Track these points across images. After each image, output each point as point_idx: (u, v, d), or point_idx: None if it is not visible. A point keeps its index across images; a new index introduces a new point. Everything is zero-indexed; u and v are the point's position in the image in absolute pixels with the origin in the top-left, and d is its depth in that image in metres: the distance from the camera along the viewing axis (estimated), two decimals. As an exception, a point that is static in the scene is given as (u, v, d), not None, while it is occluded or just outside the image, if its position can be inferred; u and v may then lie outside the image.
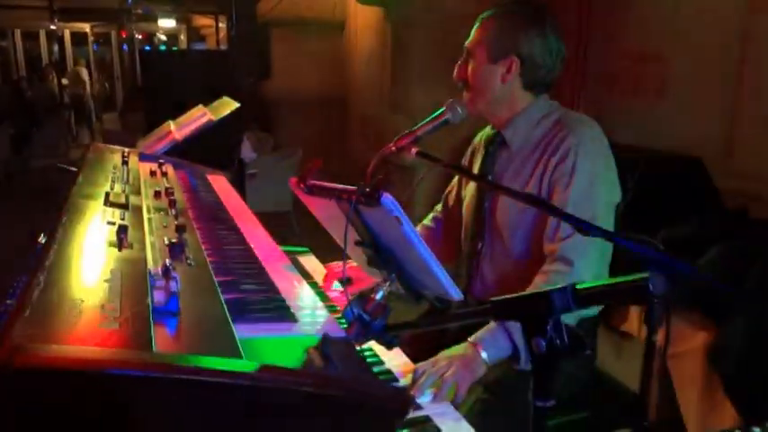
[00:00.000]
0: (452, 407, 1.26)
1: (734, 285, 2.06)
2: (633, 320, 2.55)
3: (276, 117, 7.54)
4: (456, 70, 1.64)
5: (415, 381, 1.30)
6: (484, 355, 1.41)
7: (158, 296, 0.83)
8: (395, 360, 1.38)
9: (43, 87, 11.55)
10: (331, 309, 1.20)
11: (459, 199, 1.83)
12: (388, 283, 1.04)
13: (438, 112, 1.50)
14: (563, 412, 1.53)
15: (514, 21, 1.58)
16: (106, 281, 0.82)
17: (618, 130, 3.39)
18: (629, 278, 0.64)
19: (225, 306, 0.90)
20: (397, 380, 1.31)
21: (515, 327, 1.42)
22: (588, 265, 1.44)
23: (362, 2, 4.84)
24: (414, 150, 1.43)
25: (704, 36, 2.99)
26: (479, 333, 1.44)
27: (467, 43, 1.63)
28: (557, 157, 1.52)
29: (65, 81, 12.42)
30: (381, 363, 1.36)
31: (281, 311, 1.00)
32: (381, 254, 1.04)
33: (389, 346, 1.00)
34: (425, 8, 3.74)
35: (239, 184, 5.00)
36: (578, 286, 0.67)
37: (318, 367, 0.75)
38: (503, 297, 0.73)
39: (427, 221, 1.97)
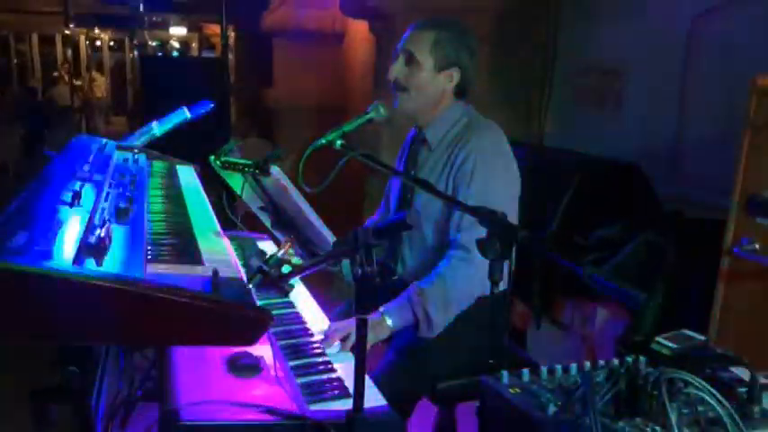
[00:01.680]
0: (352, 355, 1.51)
1: (646, 276, 2.28)
2: (568, 312, 2.77)
3: (276, 124, 7.81)
4: (393, 71, 1.85)
5: (327, 335, 1.55)
6: (389, 321, 1.66)
7: (91, 238, 1.09)
8: (317, 322, 1.65)
9: (56, 90, 11.94)
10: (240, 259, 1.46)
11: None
12: (287, 243, 1.29)
13: (365, 111, 1.76)
14: (464, 374, 1.77)
15: (458, 36, 1.82)
16: (54, 224, 1.08)
17: (578, 139, 3.63)
18: (396, 217, 0.90)
19: (147, 252, 1.15)
20: (312, 334, 1.56)
21: (417, 301, 1.67)
22: None
23: (346, 14, 5.12)
24: (338, 142, 1.68)
25: (658, 50, 3.21)
26: (388, 304, 1.69)
27: (407, 47, 1.82)
28: (460, 158, 1.77)
29: (77, 83, 12.82)
30: (304, 322, 1.62)
31: (193, 257, 1.25)
32: (280, 217, 1.30)
33: (285, 293, 1.24)
34: (405, 21, 3.98)
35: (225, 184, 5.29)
36: (374, 227, 0.92)
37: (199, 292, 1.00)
38: (335, 241, 0.99)
39: (375, 216, 2.23)
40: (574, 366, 1.22)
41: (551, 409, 1.06)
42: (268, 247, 1.98)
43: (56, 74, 13.16)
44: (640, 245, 2.37)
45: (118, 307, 0.91)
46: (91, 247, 1.06)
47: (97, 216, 1.24)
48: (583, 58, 3.80)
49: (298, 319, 1.64)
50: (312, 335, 1.56)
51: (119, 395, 1.53)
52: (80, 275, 0.91)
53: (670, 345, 1.27)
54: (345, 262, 1.39)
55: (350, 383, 1.32)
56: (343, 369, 1.41)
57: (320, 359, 1.44)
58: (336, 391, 1.29)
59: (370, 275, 0.92)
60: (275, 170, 1.19)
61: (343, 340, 1.54)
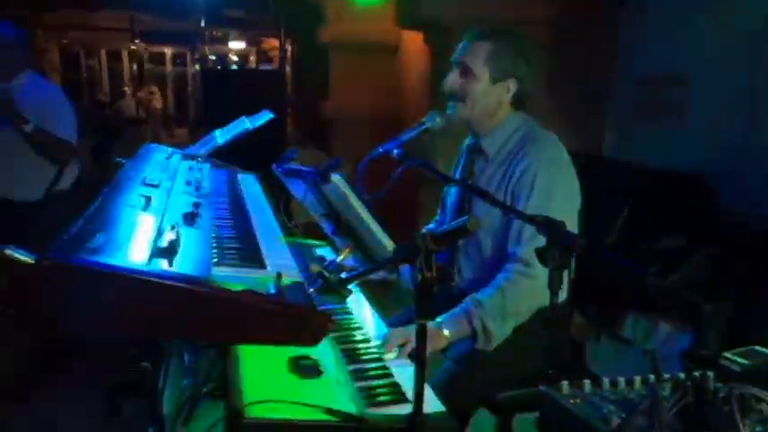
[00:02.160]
0: (411, 363, 1.51)
1: (708, 289, 2.20)
2: (629, 326, 2.70)
3: (332, 135, 7.93)
4: (449, 83, 1.84)
5: (385, 341, 1.57)
6: (446, 332, 1.66)
7: (162, 242, 1.14)
8: (375, 328, 1.66)
9: (123, 103, 12.50)
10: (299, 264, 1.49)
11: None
12: (348, 249, 1.31)
13: (421, 120, 1.77)
14: (524, 385, 1.75)
15: (514, 46, 1.81)
16: (127, 227, 1.14)
17: (638, 150, 3.55)
18: (457, 222, 0.90)
19: (213, 255, 1.20)
20: (370, 339, 1.58)
21: (476, 313, 1.66)
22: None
23: (403, 26, 5.16)
24: (396, 152, 1.70)
25: (725, 55, 3.10)
26: (446, 315, 1.69)
27: (462, 59, 1.81)
28: (519, 170, 1.75)
29: (144, 95, 13.38)
30: (361, 327, 1.64)
31: (257, 261, 1.29)
32: (341, 224, 1.32)
33: (344, 298, 1.26)
34: (457, 32, 3.99)
35: (284, 193, 5.41)
36: (435, 232, 0.93)
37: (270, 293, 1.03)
38: (395, 247, 1.00)
39: (431, 225, 2.23)
40: (637, 379, 1.19)
41: (615, 421, 1.03)
42: (324, 254, 2.01)
43: (124, 89, 13.79)
44: (705, 258, 2.28)
45: (188, 306, 0.95)
46: (162, 249, 1.11)
47: (167, 220, 1.30)
48: (643, 66, 3.71)
49: (356, 324, 1.66)
50: (369, 340, 1.58)
51: (183, 392, 1.59)
52: (154, 275, 0.95)
53: (740, 360, 1.22)
54: (404, 268, 1.41)
55: (407, 389, 1.33)
56: (400, 375, 1.42)
57: (377, 364, 1.45)
58: (394, 396, 1.30)
59: (430, 281, 0.93)
60: (336, 178, 1.21)
61: (401, 347, 1.55)
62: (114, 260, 0.96)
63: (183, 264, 1.10)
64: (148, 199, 1.35)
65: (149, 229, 1.18)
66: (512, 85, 1.80)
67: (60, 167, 2.91)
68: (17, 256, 0.99)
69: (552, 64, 3.82)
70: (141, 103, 13.04)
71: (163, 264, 1.06)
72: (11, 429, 2.70)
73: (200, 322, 0.97)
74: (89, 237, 1.04)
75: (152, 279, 0.93)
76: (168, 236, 1.17)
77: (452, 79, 1.82)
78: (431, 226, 2.20)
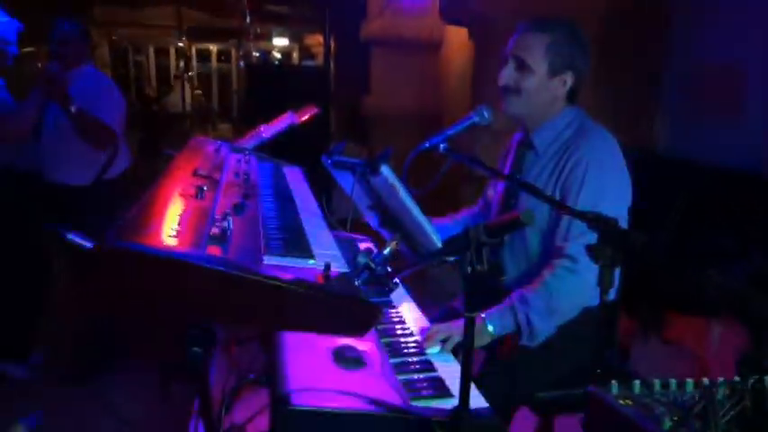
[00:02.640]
0: (453, 358, 1.51)
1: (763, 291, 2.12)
2: (679, 329, 2.63)
3: (372, 132, 7.95)
4: (504, 77, 1.78)
5: (428, 335, 1.56)
6: (490, 327, 1.65)
7: (215, 229, 1.16)
8: (417, 322, 1.66)
9: (169, 98, 12.80)
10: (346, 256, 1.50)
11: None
12: (394, 242, 1.31)
13: (468, 115, 1.75)
14: (566, 386, 1.73)
15: (572, 38, 1.75)
16: (181, 215, 1.16)
17: (693, 146, 3.43)
18: (511, 214, 0.89)
19: (263, 245, 1.22)
20: (413, 334, 1.58)
21: (521, 309, 1.64)
22: (591, 262, 1.63)
23: (447, 21, 5.13)
24: (442, 146, 1.69)
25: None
26: (490, 310, 1.68)
27: (518, 52, 1.75)
28: (570, 164, 1.71)
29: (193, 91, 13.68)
30: (404, 322, 1.64)
31: (305, 251, 1.30)
32: (388, 216, 1.32)
33: (391, 290, 1.26)
34: (505, 27, 3.95)
35: (326, 187, 5.44)
36: (487, 225, 0.92)
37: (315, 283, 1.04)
38: (446, 239, 1.00)
39: (473, 206, 2.22)
40: (690, 382, 1.16)
41: (667, 423, 1.01)
42: (368, 248, 2.02)
43: (171, 84, 14.12)
44: (762, 259, 2.20)
45: (240, 292, 0.97)
46: (215, 237, 1.13)
47: (218, 209, 1.33)
48: (698, 58, 3.58)
49: (398, 318, 1.66)
50: (412, 334, 1.58)
51: (228, 378, 1.62)
52: (208, 261, 0.97)
53: (799, 366, 1.17)
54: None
55: (450, 383, 1.33)
56: (443, 370, 1.42)
57: (421, 358, 1.45)
58: (437, 390, 1.30)
59: (480, 274, 0.92)
60: (386, 169, 1.22)
61: (444, 341, 1.55)
62: (170, 246, 0.98)
63: (235, 252, 1.12)
64: (200, 189, 1.37)
65: (202, 217, 1.21)
66: (569, 79, 1.76)
67: (110, 156, 3.01)
68: (77, 241, 1.03)
69: (602, 58, 3.74)
70: (189, 99, 13.33)
71: (215, 251, 1.08)
72: (71, 412, 2.81)
73: (252, 309, 0.99)
74: (145, 223, 1.06)
75: (206, 265, 0.95)
76: (220, 224, 1.19)
77: (508, 74, 1.78)
78: (463, 214, 2.19)
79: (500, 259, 1.85)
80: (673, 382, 1.16)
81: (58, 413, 2.78)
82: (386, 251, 1.29)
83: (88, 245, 1.00)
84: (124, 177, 3.14)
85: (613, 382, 1.14)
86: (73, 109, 2.80)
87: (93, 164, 3.00)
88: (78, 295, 0.94)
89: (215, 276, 0.95)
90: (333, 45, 7.33)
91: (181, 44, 14.53)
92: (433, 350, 1.52)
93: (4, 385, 2.98)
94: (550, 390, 1.72)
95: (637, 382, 1.14)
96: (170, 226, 1.09)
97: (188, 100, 13.33)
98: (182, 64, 14.41)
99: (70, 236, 1.04)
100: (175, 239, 1.03)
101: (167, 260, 0.94)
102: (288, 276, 0.99)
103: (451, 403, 1.21)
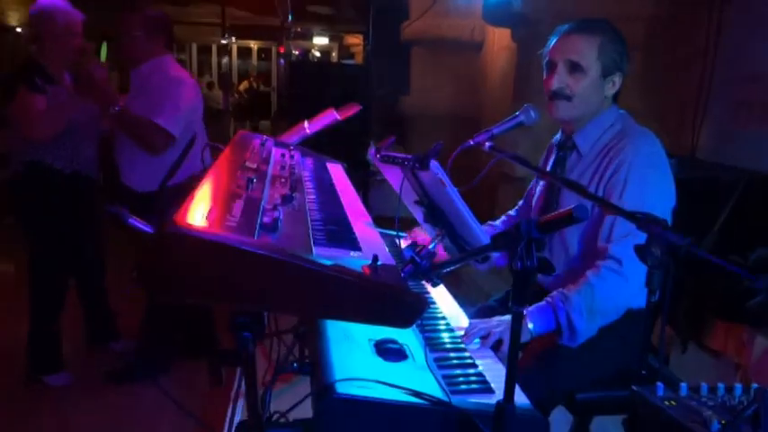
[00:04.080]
0: (493, 353, 1.51)
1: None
2: (720, 337, 2.57)
3: (411, 132, 7.97)
4: (555, 81, 1.76)
5: (467, 331, 1.57)
6: (531, 325, 1.64)
7: (266, 219, 1.19)
8: (456, 318, 1.67)
9: (211, 94, 13.04)
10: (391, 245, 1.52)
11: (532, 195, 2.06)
12: (439, 237, 1.33)
13: (514, 114, 1.75)
14: (605, 387, 1.72)
15: (619, 39, 1.76)
16: (233, 205, 1.20)
17: (737, 154, 3.36)
18: (564, 210, 0.89)
19: (311, 235, 1.24)
20: (453, 329, 1.59)
21: (562, 308, 1.64)
22: (636, 264, 1.59)
23: (490, 22, 5.10)
24: (487, 144, 1.69)
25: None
26: (531, 308, 1.67)
27: (568, 55, 1.74)
28: (613, 166, 1.70)
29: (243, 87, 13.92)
30: (444, 317, 1.66)
31: (351, 243, 1.33)
32: (434, 211, 1.33)
33: (435, 284, 1.28)
34: (549, 27, 3.92)
35: (363, 184, 5.49)
36: (539, 220, 0.93)
37: (364, 274, 1.06)
38: (496, 234, 1.01)
39: (511, 212, 2.22)
40: (738, 386, 1.14)
41: (715, 426, 1.00)
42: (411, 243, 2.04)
43: (211, 80, 14.39)
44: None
45: (291, 280, 0.99)
46: (266, 226, 1.16)
47: (268, 200, 1.36)
48: (746, 66, 3.50)
49: (438, 313, 1.67)
50: (453, 330, 1.59)
51: (267, 369, 1.65)
52: (262, 248, 1.00)
53: None
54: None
55: (491, 379, 1.34)
56: (483, 365, 1.42)
57: (461, 354, 1.46)
58: (478, 385, 1.30)
59: (530, 269, 0.93)
60: (434, 165, 1.23)
61: (483, 338, 1.55)
62: (224, 233, 1.02)
63: (285, 241, 1.15)
64: (250, 180, 1.41)
65: (253, 207, 1.24)
66: (617, 80, 1.77)
67: (176, 160, 2.88)
68: (138, 225, 1.07)
69: (647, 62, 3.68)
70: (231, 96, 13.56)
71: (267, 239, 1.11)
72: (125, 404, 2.92)
73: (301, 296, 1.01)
74: (200, 211, 1.10)
75: (259, 252, 0.98)
76: (270, 214, 1.22)
77: (560, 79, 1.75)
78: (509, 215, 2.18)
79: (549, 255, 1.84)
80: (721, 386, 1.15)
81: (114, 406, 2.89)
82: (431, 246, 1.30)
83: (148, 229, 1.04)
84: (191, 181, 2.96)
85: (659, 383, 1.14)
86: (113, 110, 2.74)
87: (159, 169, 2.88)
88: (140, 278, 0.98)
89: (267, 263, 0.98)
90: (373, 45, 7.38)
91: (224, 41, 14.77)
92: (472, 346, 1.53)
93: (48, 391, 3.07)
94: (589, 390, 1.71)
95: (683, 385, 1.13)
96: (223, 214, 1.12)
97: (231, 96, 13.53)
98: (224, 61, 14.66)
99: (131, 220, 1.08)
100: (229, 227, 1.06)
101: (223, 246, 0.97)
102: (337, 265, 1.02)
103: (493, 399, 1.21)
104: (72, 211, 3.06)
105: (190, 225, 1.00)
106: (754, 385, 1.13)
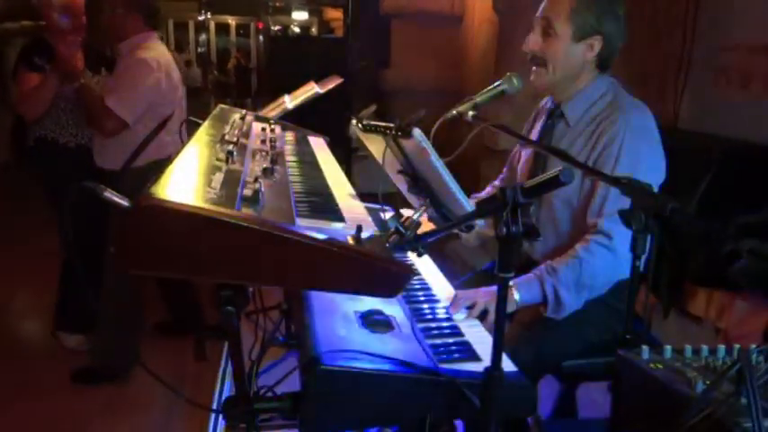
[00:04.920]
0: (479, 323, 1.51)
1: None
2: (701, 303, 2.61)
3: (392, 106, 7.91)
4: (530, 43, 1.74)
5: (453, 302, 1.57)
6: (517, 296, 1.64)
7: (246, 191, 1.17)
8: (442, 289, 1.67)
9: (189, 72, 12.82)
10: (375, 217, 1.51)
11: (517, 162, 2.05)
12: (423, 207, 1.31)
13: (496, 83, 1.73)
14: (591, 354, 1.73)
15: (599, 0, 1.69)
16: (214, 177, 1.17)
17: (718, 122, 3.38)
18: (550, 173, 0.89)
19: (294, 207, 1.22)
20: (438, 300, 1.59)
21: (549, 281, 1.64)
22: (625, 239, 1.57)
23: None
24: (470, 114, 1.67)
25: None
26: (518, 278, 1.67)
27: (545, 14, 1.71)
28: (605, 138, 1.67)
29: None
30: (430, 288, 1.65)
31: (334, 214, 1.31)
32: (418, 181, 1.32)
33: (420, 254, 1.27)
34: (530, -1, 3.88)
35: (345, 160, 5.45)
36: (525, 185, 0.92)
37: (348, 244, 1.05)
38: (481, 199, 0.99)
39: (495, 182, 2.20)
40: (722, 348, 1.15)
41: (699, 386, 1.01)
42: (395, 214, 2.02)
43: (188, 57, 14.13)
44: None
45: (275, 251, 0.98)
46: (248, 198, 1.14)
47: (248, 173, 1.33)
48: (727, 34, 3.50)
49: (424, 284, 1.67)
50: (438, 300, 1.59)
51: (254, 344, 1.64)
52: (243, 220, 0.98)
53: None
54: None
55: (478, 347, 1.34)
56: (470, 334, 1.42)
57: (448, 323, 1.46)
58: (465, 354, 1.31)
59: (515, 235, 0.92)
60: (417, 132, 1.21)
61: (469, 308, 1.55)
62: (205, 205, 0.99)
63: (268, 213, 1.13)
64: (230, 153, 1.38)
65: (234, 179, 1.22)
66: (596, 44, 1.71)
67: (142, 142, 2.83)
68: (114, 199, 1.04)
69: (627, 28, 3.67)
70: (209, 74, 13.36)
71: (249, 212, 1.09)
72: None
73: (285, 268, 1.00)
74: (179, 184, 1.08)
75: (242, 224, 0.96)
76: (252, 187, 1.20)
77: (533, 40, 1.74)
78: (493, 185, 2.17)
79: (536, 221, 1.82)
80: (704, 348, 1.16)
81: (104, 390, 2.86)
82: (415, 216, 1.29)
83: (125, 203, 1.01)
84: (155, 167, 2.86)
85: (644, 346, 1.14)
86: (75, 85, 2.67)
87: (126, 148, 2.83)
88: (118, 252, 0.95)
89: (249, 234, 0.96)
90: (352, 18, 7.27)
91: (201, 18, 14.50)
92: (458, 316, 1.53)
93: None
94: (575, 358, 1.72)
95: (668, 348, 1.14)
96: (203, 187, 1.10)
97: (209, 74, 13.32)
98: (202, 37, 14.41)
99: (106, 194, 1.05)
100: (209, 199, 1.04)
101: (203, 217, 0.95)
102: (321, 236, 1.00)
103: (480, 367, 1.21)
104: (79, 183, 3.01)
105: (168, 197, 0.97)
106: (737, 346, 1.14)
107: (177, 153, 2.70)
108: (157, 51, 2.87)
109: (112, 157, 2.88)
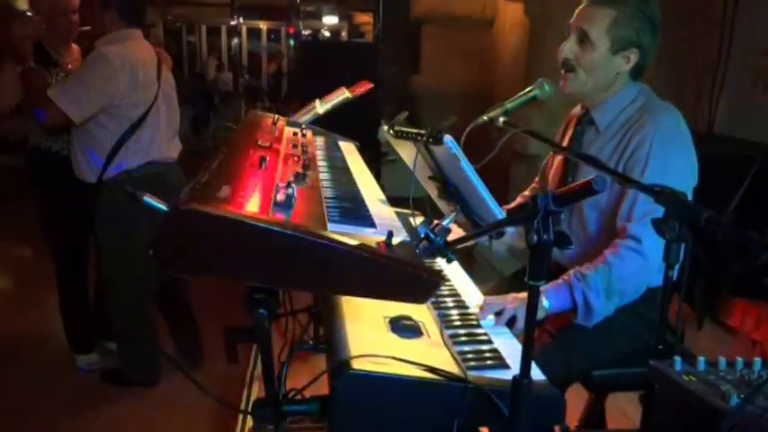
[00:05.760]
0: (508, 330, 1.50)
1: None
2: (737, 314, 2.55)
3: (422, 111, 7.91)
4: (565, 50, 1.73)
5: (482, 308, 1.57)
6: (546, 303, 1.63)
7: (279, 196, 1.19)
8: (471, 295, 1.67)
9: (221, 76, 13.01)
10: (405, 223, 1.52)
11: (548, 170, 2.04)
12: (453, 213, 1.32)
13: (528, 89, 1.73)
14: (621, 364, 1.71)
15: (639, 12, 1.67)
16: (248, 182, 1.20)
17: (755, 127, 3.30)
18: (582, 181, 0.88)
19: (325, 213, 1.24)
20: (467, 306, 1.58)
21: (578, 287, 1.62)
22: (656, 243, 1.47)
23: (503, -2, 5.03)
24: (501, 119, 1.67)
25: None
26: (546, 285, 1.66)
27: (581, 24, 1.69)
28: (635, 142, 1.65)
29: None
30: (458, 294, 1.65)
31: (365, 219, 1.32)
32: (448, 187, 1.32)
33: (449, 260, 1.27)
34: (562, 3, 3.84)
35: (375, 164, 5.47)
36: (556, 193, 0.91)
37: (379, 250, 1.06)
38: (510, 207, 0.99)
39: (526, 192, 2.19)
40: (758, 361, 1.13)
41: (734, 399, 0.99)
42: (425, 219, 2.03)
43: (220, 62, 14.34)
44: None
45: (307, 256, 0.99)
46: (280, 204, 1.16)
47: (281, 178, 1.36)
48: (764, 38, 3.43)
49: (453, 290, 1.67)
50: (467, 306, 1.59)
51: (282, 347, 1.67)
52: (276, 225, 1.00)
53: None
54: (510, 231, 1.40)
55: (507, 355, 1.33)
56: (499, 342, 1.42)
57: (477, 330, 1.46)
58: (494, 361, 1.30)
59: (546, 243, 0.92)
60: (448, 139, 1.22)
61: (498, 314, 1.55)
62: (239, 211, 1.01)
63: (300, 218, 1.15)
64: (263, 158, 1.40)
65: (267, 185, 1.24)
66: (633, 56, 1.70)
67: (114, 148, 2.63)
68: (154, 204, 1.07)
69: (662, 37, 3.61)
70: (240, 77, 13.54)
71: (282, 217, 1.11)
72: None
73: (317, 273, 1.01)
74: (215, 189, 1.10)
75: (275, 229, 0.98)
76: (284, 192, 1.22)
77: (569, 47, 1.73)
78: (526, 192, 2.16)
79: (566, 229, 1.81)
80: (739, 360, 1.14)
81: (131, 391, 2.92)
82: (445, 222, 1.29)
83: (164, 208, 1.04)
84: (151, 169, 2.73)
85: (676, 357, 1.13)
86: (20, 69, 2.51)
87: (96, 155, 2.64)
88: (156, 254, 0.98)
89: (282, 239, 0.98)
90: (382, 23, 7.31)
91: (233, 23, 14.71)
92: (486, 323, 1.53)
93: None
94: (605, 367, 1.70)
95: (701, 359, 1.12)
96: (238, 192, 1.12)
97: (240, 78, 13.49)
98: (234, 42, 14.61)
99: (146, 198, 1.08)
100: (244, 204, 1.06)
101: (238, 222, 0.97)
102: (352, 242, 1.01)
103: (509, 375, 1.21)
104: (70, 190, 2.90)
105: (204, 202, 1.00)
106: (774, 359, 1.12)
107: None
108: (127, 48, 2.64)
109: (84, 166, 2.71)
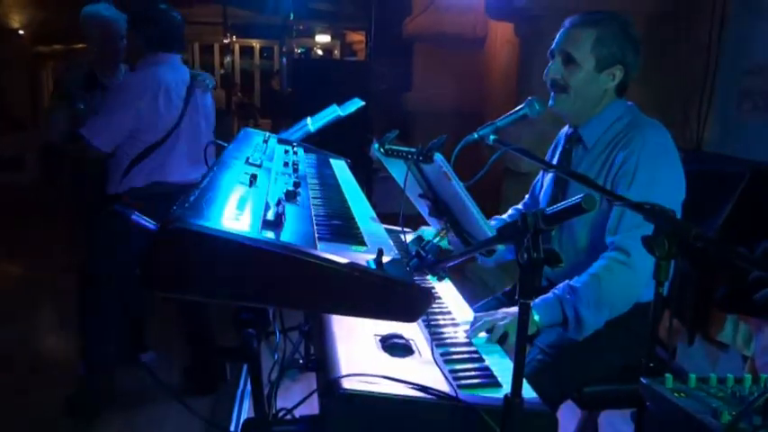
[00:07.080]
0: (499, 347, 1.50)
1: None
2: (727, 330, 2.55)
3: (414, 128, 7.95)
4: (551, 72, 1.78)
5: (472, 325, 1.56)
6: (536, 317, 1.63)
7: (269, 215, 1.19)
8: (462, 312, 1.66)
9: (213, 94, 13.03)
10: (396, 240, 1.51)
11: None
12: (443, 231, 1.32)
13: (518, 107, 1.74)
14: (613, 381, 1.71)
15: (621, 32, 1.73)
16: (237, 200, 1.19)
17: (742, 145, 3.34)
18: (571, 200, 0.88)
19: (315, 231, 1.24)
20: (459, 324, 1.58)
21: (568, 300, 1.63)
22: (644, 255, 1.57)
23: (492, 17, 5.09)
24: (491, 137, 1.68)
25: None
26: (536, 299, 1.66)
27: (564, 47, 1.74)
28: (621, 158, 1.68)
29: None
30: (450, 312, 1.65)
31: (356, 238, 1.32)
32: (438, 205, 1.33)
33: (440, 278, 1.27)
34: (552, 22, 3.89)
35: (366, 182, 5.48)
36: (546, 211, 0.91)
37: (369, 268, 1.06)
38: (501, 226, 1.00)
39: (518, 206, 2.20)
40: (748, 377, 1.13)
41: (725, 417, 0.99)
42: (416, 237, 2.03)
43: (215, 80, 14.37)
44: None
45: (296, 275, 0.99)
46: (270, 222, 1.16)
47: (271, 196, 1.35)
48: (750, 57, 3.48)
49: (444, 308, 1.66)
50: (458, 324, 1.58)
51: (273, 366, 1.65)
52: (266, 244, 0.99)
53: None
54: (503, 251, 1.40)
55: (498, 373, 1.33)
56: (490, 360, 1.41)
57: (468, 348, 1.45)
58: (485, 380, 1.29)
59: (536, 261, 0.92)
60: (438, 157, 1.23)
61: (488, 331, 1.54)
62: (228, 228, 1.01)
63: (290, 236, 1.15)
64: (254, 176, 1.40)
65: (257, 203, 1.24)
66: (618, 72, 1.74)
67: (129, 165, 2.70)
68: (142, 223, 1.07)
69: (650, 56, 3.66)
70: (233, 95, 13.57)
71: (271, 235, 1.11)
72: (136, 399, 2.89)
73: (307, 292, 1.01)
74: (205, 207, 1.10)
75: (264, 248, 0.97)
76: (274, 210, 1.22)
77: (555, 69, 1.77)
78: (516, 209, 2.17)
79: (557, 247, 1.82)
80: (730, 377, 1.13)
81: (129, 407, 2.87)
82: (436, 239, 1.30)
83: (152, 226, 1.04)
84: (158, 188, 2.74)
85: (667, 375, 1.13)
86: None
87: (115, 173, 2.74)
88: (143, 273, 0.97)
89: (272, 258, 0.97)
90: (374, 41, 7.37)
91: (225, 41, 14.78)
92: (477, 340, 1.52)
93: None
94: (598, 383, 1.70)
95: (693, 376, 1.12)
96: (227, 210, 1.12)
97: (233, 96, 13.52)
98: (227, 60, 14.66)
99: (134, 217, 1.08)
100: (233, 223, 1.05)
101: (227, 241, 0.96)
102: (342, 260, 1.01)
103: (500, 393, 1.20)
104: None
105: (193, 221, 0.99)
106: (764, 376, 1.12)
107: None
108: (154, 73, 2.69)
109: (112, 182, 2.78)
